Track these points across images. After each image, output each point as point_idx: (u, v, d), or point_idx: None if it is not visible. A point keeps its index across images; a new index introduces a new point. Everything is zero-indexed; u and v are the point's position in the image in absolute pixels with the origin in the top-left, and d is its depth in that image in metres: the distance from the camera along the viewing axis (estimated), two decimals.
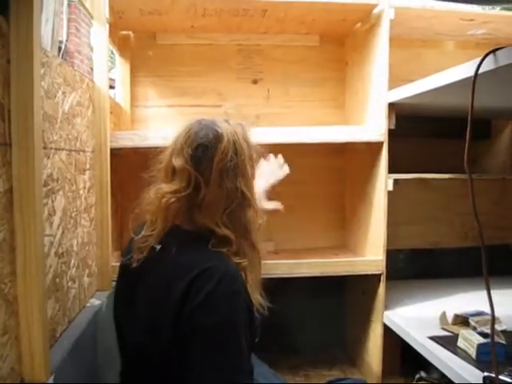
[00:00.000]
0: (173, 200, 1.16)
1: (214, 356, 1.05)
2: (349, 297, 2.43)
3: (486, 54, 1.17)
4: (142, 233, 1.21)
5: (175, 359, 1.09)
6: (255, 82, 2.36)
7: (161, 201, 1.16)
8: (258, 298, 1.19)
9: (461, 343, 1.55)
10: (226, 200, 1.15)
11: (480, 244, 1.14)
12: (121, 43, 2.18)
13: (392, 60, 1.87)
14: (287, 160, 2.32)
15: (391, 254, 2.01)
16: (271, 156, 1.52)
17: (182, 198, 1.16)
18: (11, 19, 0.98)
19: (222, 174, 1.15)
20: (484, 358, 1.43)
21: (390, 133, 1.91)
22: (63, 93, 1.36)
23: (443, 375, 1.54)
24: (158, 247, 1.18)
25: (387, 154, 1.91)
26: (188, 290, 1.06)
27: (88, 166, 1.63)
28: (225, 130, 1.18)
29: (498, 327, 1.62)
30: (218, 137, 1.17)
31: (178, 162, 1.16)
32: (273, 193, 2.33)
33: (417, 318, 1.89)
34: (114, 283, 1.74)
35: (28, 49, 1.00)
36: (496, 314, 1.16)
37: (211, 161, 1.15)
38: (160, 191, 1.17)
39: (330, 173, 2.41)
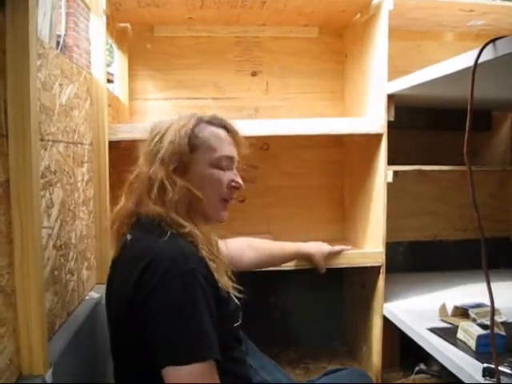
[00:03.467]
0: (132, 187, 1.28)
1: (175, 335, 1.06)
2: (348, 289, 2.43)
3: (486, 44, 1.17)
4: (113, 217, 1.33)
5: (136, 350, 1.13)
6: (254, 74, 2.35)
7: (125, 189, 1.30)
8: (225, 279, 1.22)
9: (460, 335, 1.55)
10: (147, 183, 1.24)
11: (480, 236, 1.14)
12: (119, 36, 2.17)
13: (391, 51, 1.86)
14: (286, 152, 2.33)
15: (390, 247, 2.01)
16: None
17: (134, 185, 1.28)
18: (7, 9, 0.97)
19: (145, 160, 1.26)
20: (484, 350, 1.43)
21: (390, 124, 1.90)
22: (60, 85, 1.35)
23: (443, 367, 1.54)
24: (129, 237, 1.23)
25: (386, 145, 1.91)
26: (141, 275, 1.09)
27: (86, 159, 1.62)
28: (164, 124, 1.30)
29: (497, 319, 1.62)
30: (151, 128, 1.31)
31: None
32: (273, 186, 2.35)
33: (416, 310, 1.89)
34: None
35: (24, 39, 0.99)
36: (496, 306, 1.16)
37: (142, 150, 1.29)
38: (127, 181, 1.31)
39: (329, 165, 2.40)
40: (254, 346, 1.59)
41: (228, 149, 1.31)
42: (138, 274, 1.10)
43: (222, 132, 1.33)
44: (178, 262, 1.10)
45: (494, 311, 1.16)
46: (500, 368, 1.24)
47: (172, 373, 1.04)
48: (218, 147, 1.29)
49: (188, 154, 1.25)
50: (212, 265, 1.18)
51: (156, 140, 1.27)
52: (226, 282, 1.21)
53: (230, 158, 1.32)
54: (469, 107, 1.14)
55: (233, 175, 1.32)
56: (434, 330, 1.65)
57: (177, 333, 1.06)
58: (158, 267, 1.09)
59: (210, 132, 1.30)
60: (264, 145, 2.30)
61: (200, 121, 1.31)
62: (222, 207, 1.32)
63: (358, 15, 2.10)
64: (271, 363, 1.60)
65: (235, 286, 1.26)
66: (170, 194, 1.21)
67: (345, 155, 2.40)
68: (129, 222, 1.26)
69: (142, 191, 1.24)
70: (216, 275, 1.18)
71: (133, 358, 1.17)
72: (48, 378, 1.04)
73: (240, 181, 1.33)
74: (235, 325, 1.27)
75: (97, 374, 1.53)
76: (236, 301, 1.27)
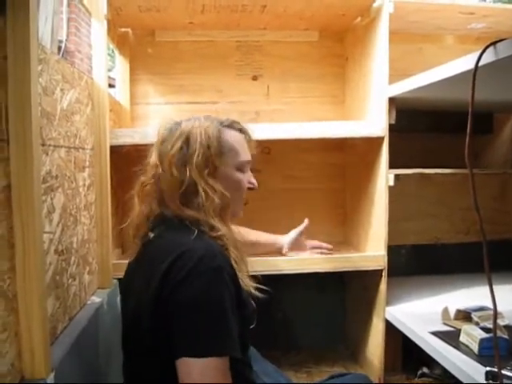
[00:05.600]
0: (146, 189, 1.29)
1: (195, 328, 1.07)
2: (351, 293, 2.42)
3: (487, 47, 1.17)
4: (128, 221, 1.33)
5: (156, 347, 1.12)
6: (255, 78, 2.35)
7: (138, 191, 1.31)
8: (247, 280, 1.25)
9: (463, 338, 1.55)
10: (178, 186, 1.23)
11: (482, 239, 1.14)
12: (120, 41, 2.18)
13: (392, 55, 1.86)
14: (288, 156, 2.33)
15: (393, 250, 2.00)
16: None
17: (153, 187, 1.28)
18: (8, 14, 0.97)
19: (171, 163, 1.24)
20: (486, 353, 1.42)
21: (391, 128, 1.90)
22: (61, 90, 1.35)
23: (445, 370, 1.53)
24: (152, 235, 1.24)
25: (387, 149, 1.91)
26: (168, 270, 1.10)
27: (87, 164, 1.62)
28: (183, 125, 1.30)
29: (500, 322, 1.61)
30: (173, 131, 1.29)
31: (150, 157, 1.31)
32: (275, 190, 2.34)
33: (419, 313, 1.88)
34: (115, 281, 1.76)
35: (25, 45, 0.99)
36: (498, 309, 1.16)
37: (167, 152, 1.26)
38: (138, 183, 1.31)
39: (331, 169, 2.41)
40: (254, 349, 1.59)
41: (247, 153, 1.36)
42: (165, 268, 1.11)
43: (240, 136, 1.37)
44: (206, 260, 1.11)
45: (496, 314, 1.15)
46: (503, 371, 1.23)
47: (186, 364, 1.04)
48: (241, 152, 1.34)
49: (218, 158, 1.28)
50: (235, 265, 1.20)
51: (182, 143, 1.27)
52: (247, 283, 1.24)
53: (248, 162, 1.37)
54: (470, 110, 1.14)
55: (250, 177, 1.38)
56: (436, 334, 1.64)
57: (198, 326, 1.07)
58: (186, 263, 1.10)
59: (233, 137, 1.34)
60: (265, 148, 2.29)
61: (222, 125, 1.34)
62: (243, 207, 1.39)
63: (359, 19, 2.11)
64: (271, 367, 1.60)
65: (257, 285, 1.28)
66: (209, 199, 1.23)
67: (346, 158, 2.40)
68: (147, 223, 1.28)
69: (168, 195, 1.25)
70: (239, 275, 1.20)
71: (147, 351, 1.16)
72: (50, 382, 1.04)
73: (255, 181, 1.39)
74: (250, 327, 1.27)
75: (99, 378, 1.52)
76: (253, 304, 1.28)
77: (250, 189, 1.37)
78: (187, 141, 1.26)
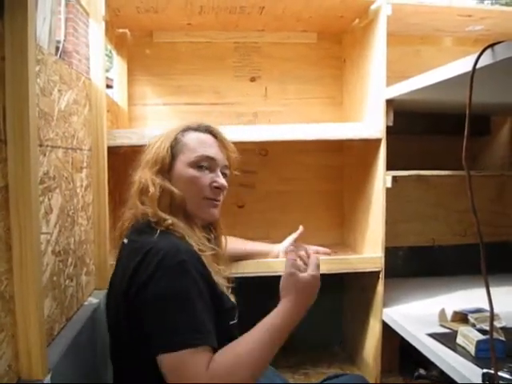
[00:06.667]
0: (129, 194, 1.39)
1: (165, 322, 1.09)
2: (348, 294, 2.42)
3: (484, 49, 1.17)
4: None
5: (135, 345, 1.16)
6: (253, 79, 2.35)
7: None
8: (220, 278, 1.29)
9: (460, 340, 1.55)
10: (136, 186, 1.34)
11: (479, 241, 1.14)
12: (118, 42, 2.18)
13: (390, 56, 1.86)
14: (285, 158, 2.33)
15: (390, 252, 2.00)
16: None
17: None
18: (5, 15, 0.97)
19: (138, 167, 1.37)
20: (483, 355, 1.42)
21: (388, 130, 1.90)
22: (59, 90, 1.35)
23: (442, 372, 1.53)
24: (126, 240, 1.31)
25: (385, 150, 1.91)
26: (136, 270, 1.15)
27: (85, 164, 1.62)
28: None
29: (497, 324, 1.61)
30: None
31: None
32: (272, 191, 2.34)
33: (416, 315, 1.88)
34: None
35: (23, 45, 0.99)
36: (495, 311, 1.16)
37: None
38: None
39: (328, 170, 2.41)
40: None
41: (209, 150, 1.37)
42: (132, 269, 1.15)
43: (205, 136, 1.40)
44: (170, 255, 1.15)
45: (493, 316, 1.15)
46: (499, 373, 1.23)
47: (165, 359, 1.06)
48: (197, 148, 1.36)
49: (169, 157, 1.33)
50: (202, 255, 1.24)
51: (147, 149, 1.37)
52: (220, 281, 1.28)
53: (211, 159, 1.36)
54: (467, 112, 1.14)
55: (214, 176, 1.37)
56: (433, 336, 1.64)
57: (168, 320, 1.09)
58: (151, 261, 1.13)
59: (192, 136, 1.38)
60: (263, 150, 2.30)
61: (187, 128, 1.39)
62: (207, 205, 1.37)
63: (357, 20, 2.11)
64: (269, 368, 1.60)
65: (221, 267, 1.32)
66: (151, 192, 1.28)
67: (344, 160, 2.40)
68: (127, 228, 1.34)
69: (133, 196, 1.34)
70: (212, 272, 1.24)
71: (130, 355, 1.20)
72: (47, 383, 1.04)
73: (221, 181, 1.37)
74: (231, 323, 1.30)
75: (96, 379, 1.52)
76: (233, 300, 1.31)
77: (216, 188, 1.36)
78: (151, 147, 1.37)
